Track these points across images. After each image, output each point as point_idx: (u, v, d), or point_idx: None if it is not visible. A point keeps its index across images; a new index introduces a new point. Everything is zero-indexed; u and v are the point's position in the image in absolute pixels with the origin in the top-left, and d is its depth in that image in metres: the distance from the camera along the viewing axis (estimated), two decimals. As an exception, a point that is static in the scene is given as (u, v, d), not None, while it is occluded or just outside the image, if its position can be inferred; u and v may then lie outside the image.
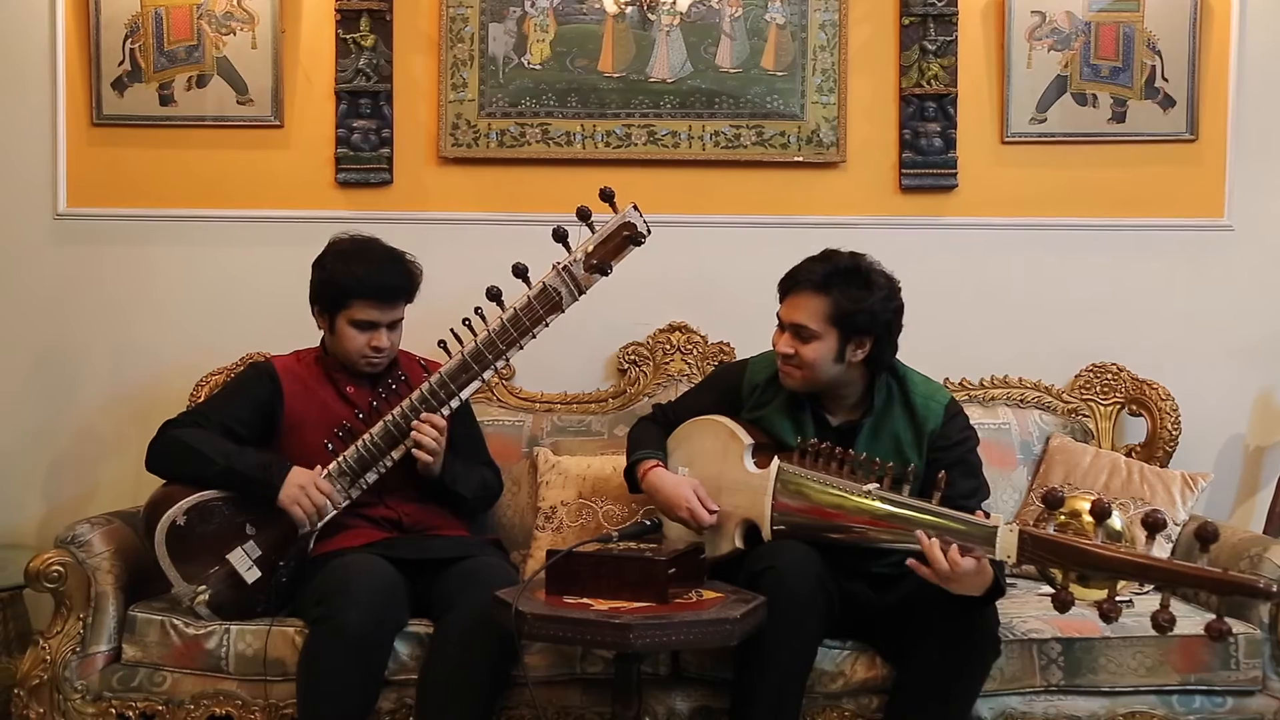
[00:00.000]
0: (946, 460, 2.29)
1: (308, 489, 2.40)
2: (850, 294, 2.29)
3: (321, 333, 2.63)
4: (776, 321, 2.38)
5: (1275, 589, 1.80)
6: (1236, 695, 2.39)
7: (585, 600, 2.12)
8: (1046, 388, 3.08)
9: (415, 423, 2.42)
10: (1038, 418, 3.01)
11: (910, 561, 2.08)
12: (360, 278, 2.49)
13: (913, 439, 2.35)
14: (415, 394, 2.45)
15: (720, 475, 2.40)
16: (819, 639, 2.26)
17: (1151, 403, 2.99)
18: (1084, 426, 3.02)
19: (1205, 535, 1.81)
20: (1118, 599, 1.90)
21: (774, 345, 2.38)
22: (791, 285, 2.35)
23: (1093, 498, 2.00)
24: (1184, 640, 2.36)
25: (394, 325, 2.54)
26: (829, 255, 2.35)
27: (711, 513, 2.35)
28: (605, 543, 2.24)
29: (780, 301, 2.37)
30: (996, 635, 2.24)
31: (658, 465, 2.44)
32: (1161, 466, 2.91)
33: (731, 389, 2.51)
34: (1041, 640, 2.36)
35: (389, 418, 2.45)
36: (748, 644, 2.11)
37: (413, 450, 2.43)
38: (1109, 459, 2.88)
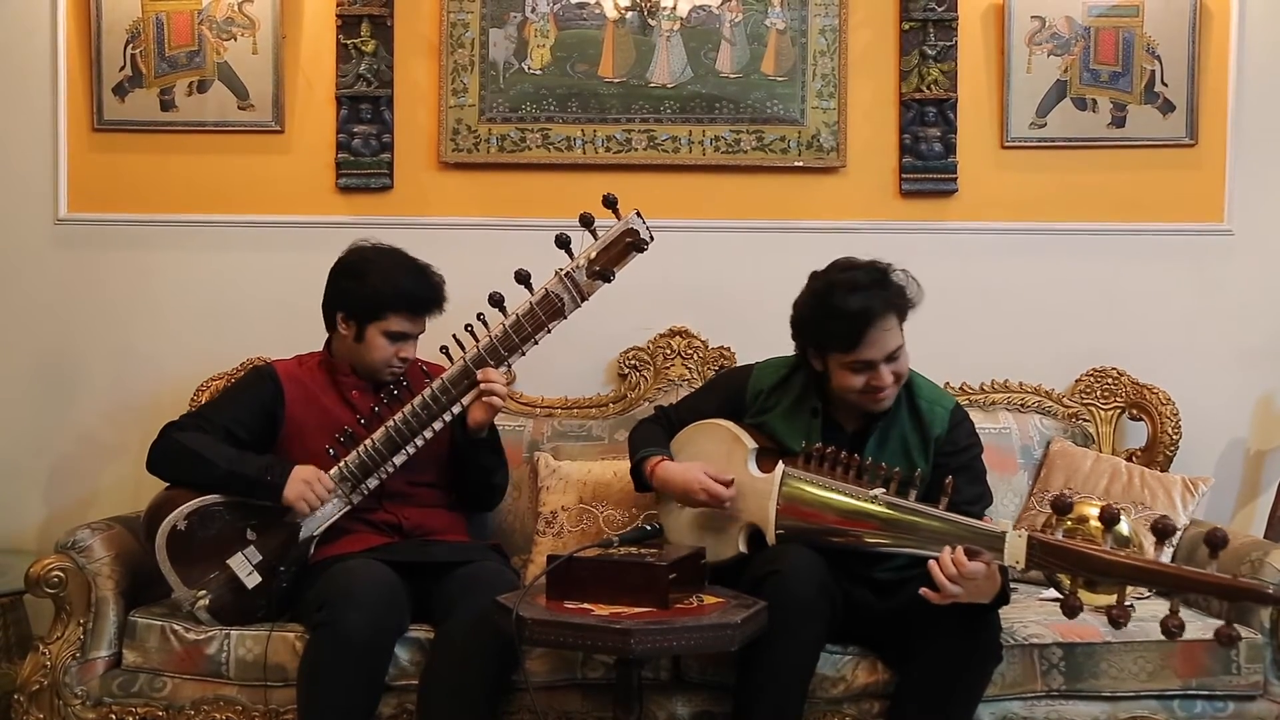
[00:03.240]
0: (952, 466, 2.29)
1: (312, 484, 2.40)
2: (901, 296, 2.30)
3: (326, 337, 2.64)
4: (853, 368, 2.27)
5: None
6: (1238, 700, 2.39)
7: (586, 605, 2.11)
8: (1047, 392, 3.08)
9: (482, 372, 2.43)
10: (1038, 422, 3.01)
11: (923, 591, 2.07)
12: (402, 291, 2.50)
13: (919, 443, 2.36)
14: (417, 399, 2.45)
15: (724, 480, 2.40)
16: (822, 644, 2.26)
17: (1152, 407, 2.99)
18: (1084, 431, 3.02)
19: (1215, 541, 1.81)
20: (1126, 604, 1.90)
21: (858, 385, 2.28)
22: (866, 323, 2.23)
23: (1101, 504, 2.00)
24: (1185, 645, 2.36)
25: (418, 336, 2.57)
26: (866, 282, 2.27)
27: (728, 484, 2.32)
28: (606, 547, 2.24)
29: (851, 348, 2.25)
30: (998, 641, 2.24)
31: (664, 459, 2.43)
32: (1162, 471, 2.91)
33: (735, 394, 2.50)
34: (1043, 645, 2.36)
35: (390, 423, 2.45)
36: (750, 648, 2.11)
37: (483, 399, 2.44)
38: (1110, 463, 2.88)
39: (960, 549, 2.03)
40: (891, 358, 2.29)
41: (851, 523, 2.20)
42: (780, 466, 2.31)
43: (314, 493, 2.40)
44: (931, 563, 2.05)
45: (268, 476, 2.40)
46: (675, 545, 2.41)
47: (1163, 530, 1.86)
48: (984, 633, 2.20)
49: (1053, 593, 2.51)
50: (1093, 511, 2.11)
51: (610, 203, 2.36)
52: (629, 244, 2.40)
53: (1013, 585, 2.67)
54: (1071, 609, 1.94)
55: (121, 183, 3.14)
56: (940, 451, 2.34)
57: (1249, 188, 3.13)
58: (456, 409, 2.47)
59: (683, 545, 2.38)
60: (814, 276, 2.37)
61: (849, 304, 2.24)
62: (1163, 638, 2.29)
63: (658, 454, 2.45)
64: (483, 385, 2.44)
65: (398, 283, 2.51)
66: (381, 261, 2.54)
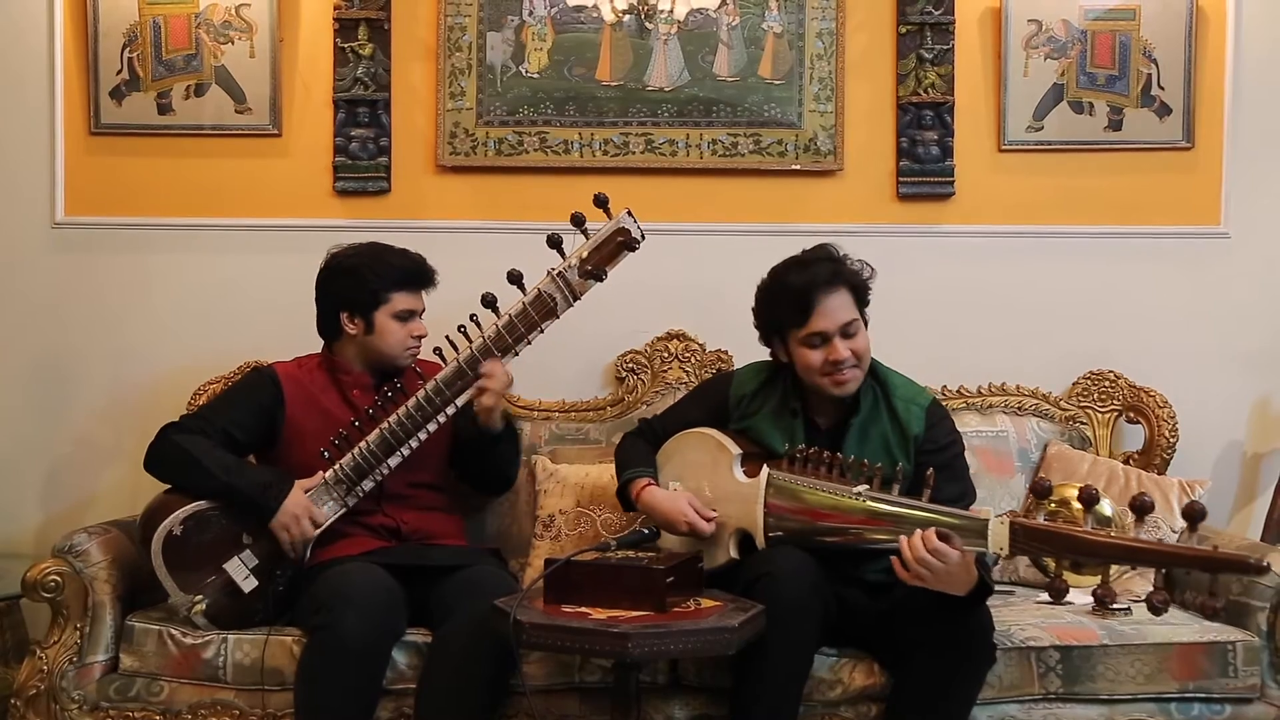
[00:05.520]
0: (933, 465, 2.30)
1: (301, 519, 2.41)
2: (853, 273, 2.36)
3: (323, 340, 2.65)
4: (809, 343, 2.31)
5: (1266, 564, 1.82)
6: (1234, 703, 2.39)
7: (583, 609, 2.11)
8: (1044, 395, 3.08)
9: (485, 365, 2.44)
10: (1035, 425, 3.01)
11: (894, 559, 2.09)
12: (397, 269, 2.57)
13: (899, 441, 2.37)
14: (411, 401, 2.46)
15: (711, 487, 2.40)
16: (816, 645, 2.26)
17: (1149, 410, 2.99)
18: (1081, 434, 3.02)
19: (1193, 514, 1.83)
20: (1116, 605, 1.90)
21: (818, 362, 2.32)
22: (813, 295, 2.31)
23: (1080, 485, 2.02)
24: (1182, 648, 2.36)
25: (422, 314, 2.61)
26: (811, 258, 2.38)
27: (710, 520, 2.36)
28: (603, 551, 2.24)
29: (803, 321, 2.31)
30: (992, 642, 2.24)
31: (650, 484, 2.45)
32: (1159, 474, 2.92)
33: (719, 402, 2.51)
34: (1040, 648, 2.36)
35: (385, 425, 2.45)
36: (745, 651, 2.11)
37: (479, 399, 2.47)
38: (1107, 466, 2.88)
39: (931, 530, 2.04)
40: (847, 333, 2.32)
41: (838, 521, 2.21)
42: (765, 470, 2.32)
43: (300, 528, 2.41)
44: (901, 538, 2.07)
45: (262, 497, 2.41)
46: (673, 549, 2.41)
47: (1140, 507, 1.88)
48: (975, 632, 2.20)
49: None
50: (1073, 493, 2.13)
51: (601, 202, 2.37)
52: (620, 243, 2.40)
53: (1010, 589, 2.69)
54: (1058, 591, 1.96)
55: (119, 186, 3.14)
56: (920, 450, 2.36)
57: (1245, 190, 3.13)
58: (451, 409, 2.47)
59: (680, 549, 2.38)
60: (773, 268, 2.44)
61: (795, 275, 2.35)
62: (1160, 639, 2.34)
63: (643, 475, 2.46)
64: (481, 382, 2.45)
65: (389, 264, 2.57)
66: (365, 253, 2.60)
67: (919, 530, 2.06)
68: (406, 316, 2.57)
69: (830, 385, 2.34)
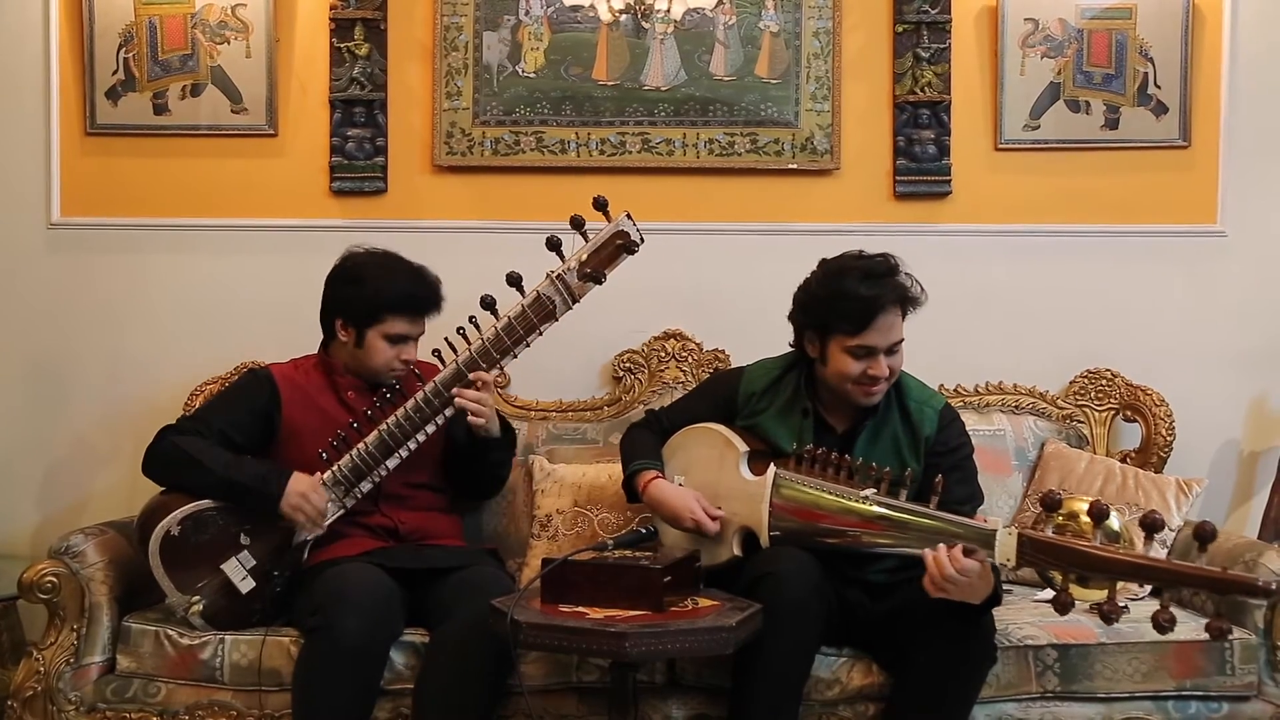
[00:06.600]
0: (943, 466, 2.31)
1: (309, 495, 2.40)
2: (908, 293, 2.33)
3: (320, 339, 2.63)
4: (854, 353, 2.29)
5: (1274, 586, 1.81)
6: (1232, 700, 2.39)
7: (581, 609, 2.11)
8: (1041, 394, 3.08)
9: (458, 392, 2.42)
10: (1033, 424, 3.01)
11: (925, 582, 2.07)
12: (400, 292, 2.51)
13: (910, 443, 2.37)
14: (410, 402, 2.45)
15: (717, 483, 2.40)
16: (817, 645, 2.27)
17: (1146, 408, 2.99)
18: (1079, 432, 3.02)
19: (1203, 535, 1.82)
20: (1117, 601, 1.90)
21: (856, 372, 2.30)
22: (877, 308, 2.28)
23: (1090, 499, 2.01)
24: (1179, 646, 2.37)
25: (419, 338, 2.57)
26: (882, 270, 2.31)
27: (715, 519, 2.35)
28: (601, 551, 2.23)
29: (856, 333, 2.29)
30: (993, 642, 2.24)
31: (658, 477, 2.44)
32: (1156, 472, 2.92)
33: (727, 398, 2.51)
34: (1037, 647, 2.36)
35: (383, 426, 2.45)
36: (745, 650, 2.11)
37: (470, 419, 2.45)
38: (1104, 465, 2.88)
39: (959, 546, 2.04)
40: (892, 350, 2.32)
41: (844, 523, 2.21)
42: (772, 469, 2.32)
43: (311, 504, 2.40)
44: (928, 553, 2.06)
45: (264, 485, 2.40)
46: (670, 548, 2.41)
47: (1151, 524, 1.87)
48: (978, 635, 2.20)
49: (1049, 594, 2.52)
50: (1082, 507, 2.12)
51: (600, 205, 2.37)
52: (619, 246, 2.41)
53: (1007, 588, 2.69)
54: (1063, 605, 1.95)
55: (115, 187, 3.13)
56: (931, 451, 2.36)
57: (1242, 189, 3.13)
58: (449, 412, 2.46)
59: (678, 548, 2.38)
60: (826, 261, 2.41)
61: (863, 287, 2.29)
62: (1157, 638, 2.33)
63: (650, 469, 2.46)
64: (457, 403, 2.43)
65: (394, 285, 2.52)
66: (376, 265, 2.55)
67: (943, 546, 2.05)
68: (398, 340, 2.52)
69: (859, 395, 2.34)
